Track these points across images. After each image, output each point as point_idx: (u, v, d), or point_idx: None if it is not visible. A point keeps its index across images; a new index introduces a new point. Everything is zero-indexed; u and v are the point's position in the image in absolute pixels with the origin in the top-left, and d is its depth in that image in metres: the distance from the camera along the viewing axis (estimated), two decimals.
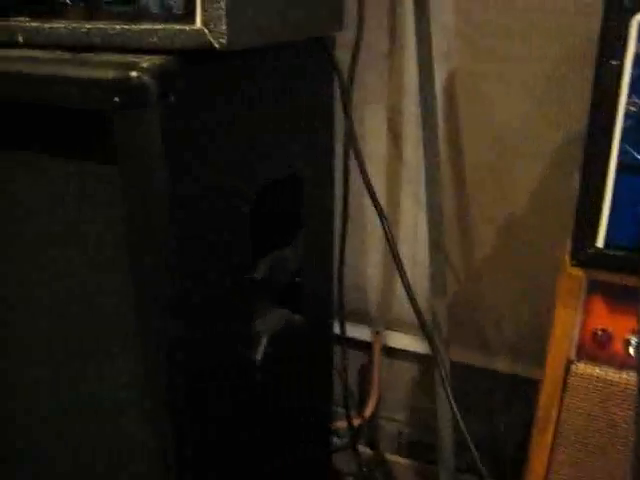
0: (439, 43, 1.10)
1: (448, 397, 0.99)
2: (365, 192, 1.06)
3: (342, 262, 1.18)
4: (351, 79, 1.07)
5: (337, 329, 1.36)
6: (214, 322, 0.87)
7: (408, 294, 0.99)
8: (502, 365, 1.32)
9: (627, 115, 0.66)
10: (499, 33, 1.08)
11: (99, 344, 0.87)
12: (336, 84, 1.04)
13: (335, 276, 1.19)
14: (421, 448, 1.50)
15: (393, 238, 1.01)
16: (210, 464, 0.93)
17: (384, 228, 1.00)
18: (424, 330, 1.00)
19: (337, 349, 1.43)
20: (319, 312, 1.16)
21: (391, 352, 1.43)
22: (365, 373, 1.47)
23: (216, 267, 0.84)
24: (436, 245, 1.07)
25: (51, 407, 0.97)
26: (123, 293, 0.81)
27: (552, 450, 0.81)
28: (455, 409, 0.99)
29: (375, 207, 0.99)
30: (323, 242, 1.12)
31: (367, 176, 0.98)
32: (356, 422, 1.46)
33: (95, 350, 0.88)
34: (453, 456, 1.18)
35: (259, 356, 0.97)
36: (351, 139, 1.00)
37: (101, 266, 0.82)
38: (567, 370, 0.78)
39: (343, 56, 1.07)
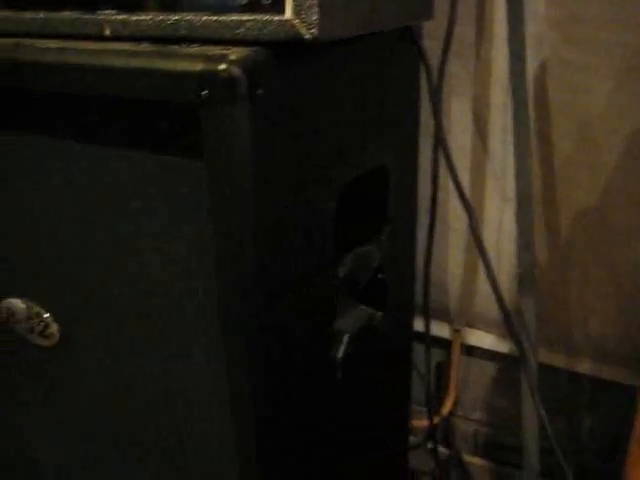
0: (530, 31, 1.05)
1: (535, 401, 0.95)
2: (448, 186, 1.03)
3: (429, 259, 1.15)
4: (441, 71, 1.03)
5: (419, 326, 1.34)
6: (297, 319, 0.85)
7: (495, 292, 0.95)
8: (586, 367, 1.27)
9: None
10: (591, 21, 1.03)
11: (179, 342, 0.86)
12: (423, 75, 1.01)
13: (421, 273, 1.15)
14: (498, 449, 1.46)
15: (479, 234, 0.97)
16: (290, 460, 0.91)
17: (471, 224, 0.96)
18: (511, 330, 0.96)
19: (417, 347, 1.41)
20: (401, 309, 1.13)
21: (470, 350, 1.40)
22: (443, 371, 1.44)
23: (301, 263, 0.82)
24: (526, 241, 1.03)
25: (128, 404, 0.97)
26: (204, 290, 0.80)
27: None
28: (543, 413, 0.95)
29: (462, 202, 0.95)
30: (407, 237, 1.09)
31: (455, 171, 0.94)
32: (433, 421, 1.44)
33: (175, 348, 0.87)
34: (538, 460, 1.14)
35: (340, 354, 0.94)
36: (439, 132, 0.96)
37: (182, 262, 0.81)
38: None
39: (430, 46, 1.03)
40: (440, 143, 0.98)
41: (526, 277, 1.06)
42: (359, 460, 1.11)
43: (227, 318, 0.78)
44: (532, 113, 1.10)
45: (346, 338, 0.95)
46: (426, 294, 1.16)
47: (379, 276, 1.02)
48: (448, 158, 0.97)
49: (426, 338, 1.26)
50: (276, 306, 0.80)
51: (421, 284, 1.25)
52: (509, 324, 0.95)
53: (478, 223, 0.99)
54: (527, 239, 1.04)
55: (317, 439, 0.96)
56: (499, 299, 0.94)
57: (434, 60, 1.05)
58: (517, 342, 0.97)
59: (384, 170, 0.97)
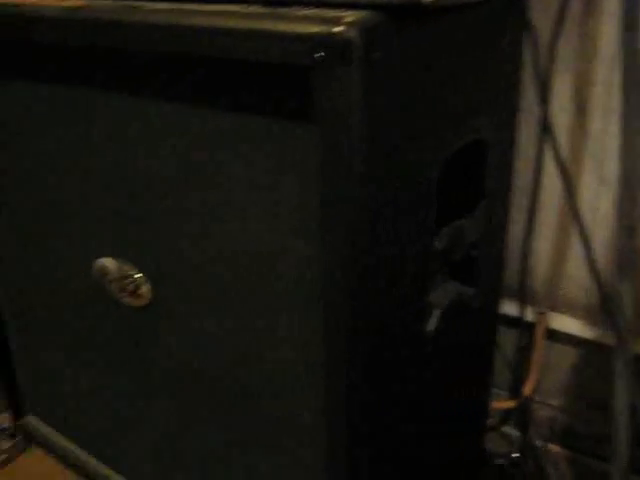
0: None
1: (630, 390, 0.92)
2: (543, 165, 1.00)
3: (528, 238, 1.11)
4: (551, 48, 0.99)
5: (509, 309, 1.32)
6: (394, 288, 0.84)
7: (595, 276, 0.92)
8: None
9: None
10: None
11: (274, 305, 0.86)
12: (527, 48, 0.98)
13: (519, 254, 1.13)
14: (575, 437, 1.43)
15: (579, 215, 0.95)
16: (377, 430, 0.91)
17: (571, 204, 0.93)
18: (610, 315, 0.93)
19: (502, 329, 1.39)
20: (490, 288, 1.11)
21: (552, 334, 1.37)
22: (524, 354, 1.42)
23: (402, 234, 0.82)
24: (627, 225, 0.99)
25: (216, 369, 0.98)
26: (304, 253, 0.80)
27: None
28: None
29: (565, 182, 0.93)
30: (501, 214, 1.07)
31: (559, 151, 0.92)
32: (510, 404, 1.42)
33: (270, 312, 0.87)
34: (628, 455, 1.11)
35: (432, 327, 0.93)
36: (545, 111, 0.93)
37: (283, 224, 0.81)
38: None
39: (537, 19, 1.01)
40: (546, 121, 0.95)
41: (626, 262, 1.02)
42: (440, 436, 1.11)
43: (328, 281, 0.77)
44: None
45: (437, 312, 0.94)
46: (523, 272, 1.14)
47: (472, 252, 1.01)
48: (554, 139, 0.94)
49: (520, 321, 1.24)
50: (376, 272, 0.79)
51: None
52: (607, 309, 0.92)
53: (577, 204, 0.96)
54: (629, 223, 1.00)
55: (403, 409, 0.96)
56: (598, 283, 0.91)
57: (541, 34, 1.03)
58: (615, 328, 0.94)
59: (483, 144, 0.95)
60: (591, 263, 0.93)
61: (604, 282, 1.05)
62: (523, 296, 1.32)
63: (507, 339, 1.41)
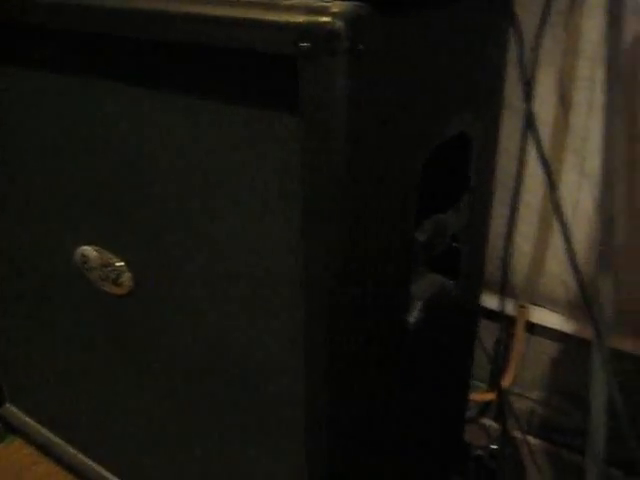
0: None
1: (607, 384, 0.93)
2: (525, 160, 1.00)
3: (510, 232, 1.12)
4: (536, 41, 1.00)
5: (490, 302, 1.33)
6: (376, 279, 0.84)
7: (574, 269, 0.93)
8: None
9: None
10: None
11: (257, 297, 0.86)
12: (512, 43, 0.99)
13: (500, 248, 1.14)
14: (553, 430, 1.45)
15: (560, 209, 0.95)
16: (357, 420, 0.92)
17: (552, 198, 0.94)
18: (589, 309, 0.94)
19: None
20: (472, 280, 1.12)
21: (532, 328, 1.38)
22: (503, 347, 1.43)
23: (384, 224, 0.82)
24: (607, 220, 1.00)
25: (196, 357, 0.98)
26: (288, 246, 0.80)
27: None
28: (617, 398, 0.94)
29: (548, 177, 0.93)
30: (483, 208, 1.08)
31: (542, 147, 0.92)
32: (489, 396, 1.43)
33: (251, 299, 0.87)
34: (604, 448, 1.13)
35: (413, 319, 0.94)
36: (529, 105, 0.94)
37: (266, 216, 0.81)
38: None
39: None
40: (529, 117, 0.96)
41: (605, 257, 1.03)
42: (420, 426, 1.11)
43: (310, 272, 0.77)
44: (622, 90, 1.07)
45: (419, 304, 0.94)
46: (504, 266, 1.15)
47: (454, 245, 1.02)
48: (537, 134, 0.94)
49: (501, 314, 1.25)
50: (358, 263, 0.79)
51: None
52: (587, 303, 0.93)
53: (558, 199, 0.97)
54: (609, 218, 1.01)
55: (383, 400, 0.96)
56: (578, 277, 0.92)
57: (526, 29, 1.03)
58: (594, 322, 0.95)
59: (467, 138, 0.96)
60: (571, 257, 0.94)
61: (584, 276, 1.06)
62: (504, 289, 1.33)
63: (487, 332, 1.42)
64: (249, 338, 0.89)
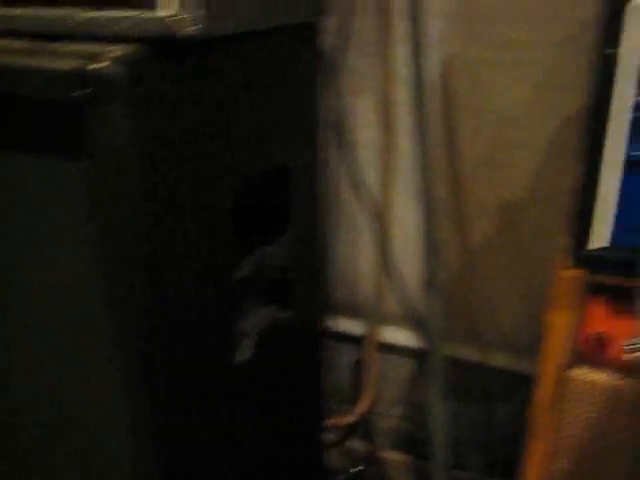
0: (434, 27, 1.05)
1: (440, 393, 0.95)
2: (357, 184, 1.02)
3: (353, 257, 1.13)
4: (334, 66, 1.02)
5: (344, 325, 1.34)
6: (196, 321, 0.83)
7: (401, 289, 0.95)
8: (499, 360, 1.28)
9: (635, 107, 0.61)
10: (497, 17, 1.03)
11: (74, 343, 0.83)
12: (322, 72, 1.00)
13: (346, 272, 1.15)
14: (417, 444, 1.46)
15: (386, 232, 0.97)
16: (194, 467, 0.89)
17: (381, 221, 0.95)
18: (421, 325, 0.96)
19: (335, 345, 1.40)
20: (309, 308, 1.12)
21: (386, 347, 1.39)
22: (360, 368, 1.43)
23: (195, 266, 0.80)
24: (430, 238, 1.03)
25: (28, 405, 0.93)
26: (95, 292, 0.77)
27: (547, 459, 0.77)
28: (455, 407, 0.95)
29: (373, 200, 0.95)
30: (312, 235, 1.08)
31: (359, 169, 0.94)
32: (351, 418, 1.43)
33: (70, 349, 0.84)
34: (446, 452, 1.15)
35: (243, 357, 0.93)
36: (340, 129, 0.95)
37: (70, 264, 0.78)
38: (563, 376, 0.74)
39: (333, 42, 1.03)
40: (343, 142, 0.97)
41: (431, 271, 1.06)
42: (271, 460, 1.10)
43: (116, 323, 0.75)
44: (438, 110, 1.10)
45: (249, 340, 0.93)
46: (352, 289, 1.16)
47: (286, 275, 1.01)
48: (353, 158, 0.96)
49: (354, 336, 1.26)
50: (170, 309, 0.77)
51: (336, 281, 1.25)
52: (420, 319, 0.95)
53: (384, 219, 0.98)
54: (431, 234, 1.04)
55: (221, 441, 0.94)
56: (409, 296, 0.94)
57: (339, 57, 1.05)
58: (427, 336, 0.97)
59: (284, 168, 0.96)
60: (398, 278, 0.95)
61: (414, 295, 1.08)
62: (353, 312, 1.34)
63: (346, 354, 1.43)
64: (68, 386, 0.86)
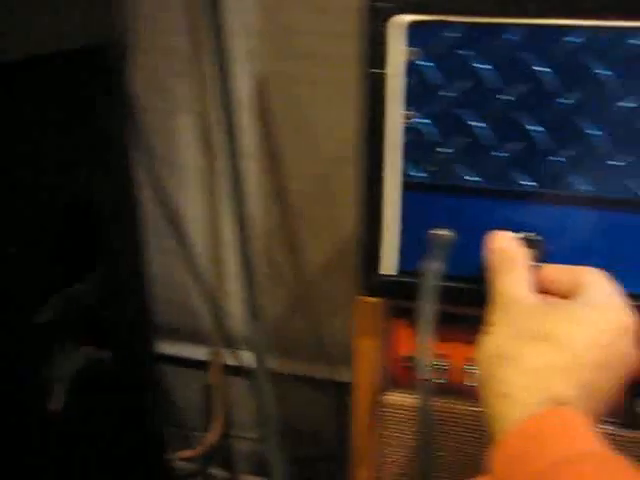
0: (243, 44, 1.02)
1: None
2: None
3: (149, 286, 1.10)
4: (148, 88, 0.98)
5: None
6: None
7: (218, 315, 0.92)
8: (323, 373, 1.27)
9: (407, 128, 0.58)
10: (305, 33, 1.01)
11: None
12: (128, 96, 0.95)
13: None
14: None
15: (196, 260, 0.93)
16: None
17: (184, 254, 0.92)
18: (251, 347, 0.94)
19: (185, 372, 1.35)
20: (135, 343, 1.06)
21: (234, 369, 1.35)
22: (208, 394, 1.39)
23: None
24: (246, 260, 1.00)
25: None
26: None
27: None
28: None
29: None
30: (134, 267, 1.02)
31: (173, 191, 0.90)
32: (205, 446, 1.39)
33: None
34: (283, 466, 1.14)
35: (56, 405, 0.86)
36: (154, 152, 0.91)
37: None
38: (379, 401, 0.72)
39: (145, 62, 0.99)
40: (158, 165, 0.93)
41: (249, 295, 1.04)
42: None
43: None
44: (255, 128, 1.08)
45: (60, 386, 0.87)
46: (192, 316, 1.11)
47: (100, 314, 0.95)
48: (172, 181, 0.92)
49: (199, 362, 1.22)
50: None
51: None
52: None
53: (211, 241, 0.95)
54: (247, 257, 1.02)
55: None
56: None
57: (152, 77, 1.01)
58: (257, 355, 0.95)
59: (90, 201, 0.90)
60: (216, 306, 0.92)
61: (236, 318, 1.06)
62: (195, 338, 1.30)
63: (191, 381, 1.38)
64: None
